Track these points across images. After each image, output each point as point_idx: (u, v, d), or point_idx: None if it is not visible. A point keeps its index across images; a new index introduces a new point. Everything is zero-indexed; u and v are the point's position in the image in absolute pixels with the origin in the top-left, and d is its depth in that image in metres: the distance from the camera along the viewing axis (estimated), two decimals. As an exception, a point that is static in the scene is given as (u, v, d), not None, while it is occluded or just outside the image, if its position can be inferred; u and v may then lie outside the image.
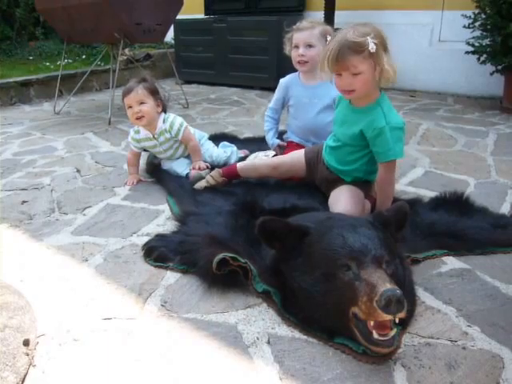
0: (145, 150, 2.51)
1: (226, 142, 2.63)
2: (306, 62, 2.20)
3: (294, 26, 2.23)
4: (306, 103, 2.27)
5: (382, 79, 1.69)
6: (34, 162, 2.79)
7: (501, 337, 1.25)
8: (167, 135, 2.37)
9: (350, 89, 1.65)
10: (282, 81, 2.39)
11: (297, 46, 2.19)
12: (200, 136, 2.51)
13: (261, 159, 2.22)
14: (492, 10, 3.60)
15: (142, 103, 2.28)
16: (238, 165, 2.12)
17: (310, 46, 2.17)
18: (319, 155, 1.99)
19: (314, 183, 2.03)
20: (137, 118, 2.29)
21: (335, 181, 1.88)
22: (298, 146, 2.28)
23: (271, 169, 2.05)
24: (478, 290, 1.46)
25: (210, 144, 2.55)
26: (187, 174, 2.32)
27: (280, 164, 2.06)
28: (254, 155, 2.45)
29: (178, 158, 2.47)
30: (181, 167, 2.38)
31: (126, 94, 2.29)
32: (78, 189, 2.35)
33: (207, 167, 2.32)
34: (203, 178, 2.20)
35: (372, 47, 1.56)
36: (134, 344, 1.24)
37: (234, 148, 2.57)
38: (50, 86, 4.75)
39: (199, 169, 2.30)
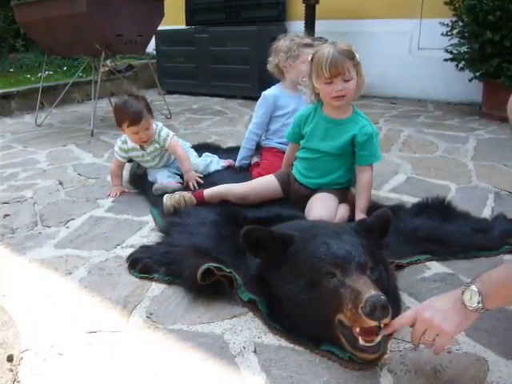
0: (129, 161, 2.49)
1: (208, 153, 2.61)
2: None
3: (303, 42, 2.29)
4: (296, 109, 2.28)
5: (360, 89, 1.84)
6: (15, 175, 2.76)
7: (485, 340, 1.26)
8: (156, 145, 2.36)
9: (342, 94, 1.75)
10: (268, 94, 2.39)
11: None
12: (183, 144, 2.51)
13: (228, 186, 2.04)
14: (469, 18, 3.68)
15: (147, 128, 2.28)
16: (206, 192, 2.03)
17: None
18: (290, 176, 2.01)
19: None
20: (143, 142, 2.32)
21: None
22: (277, 153, 2.33)
23: (240, 199, 1.97)
24: (462, 294, 1.47)
25: (193, 153, 2.55)
26: None
27: (250, 193, 1.98)
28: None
29: (163, 166, 2.46)
30: (164, 177, 2.35)
31: (134, 122, 2.22)
32: (60, 201, 2.33)
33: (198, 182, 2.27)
34: (167, 192, 2.13)
35: (358, 56, 1.76)
36: (119, 357, 1.22)
37: (216, 158, 2.56)
38: (31, 99, 4.70)
39: (193, 185, 2.24)
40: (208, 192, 2.03)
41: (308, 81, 1.85)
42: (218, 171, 2.44)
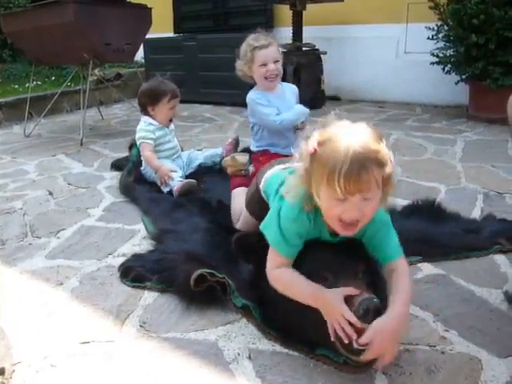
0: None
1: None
2: (277, 75, 2.21)
3: (254, 44, 2.16)
4: (280, 108, 2.22)
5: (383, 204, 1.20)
6: (5, 186, 2.74)
7: (478, 339, 1.27)
8: (172, 125, 2.65)
9: (357, 219, 1.13)
10: (255, 95, 2.26)
11: (265, 64, 2.16)
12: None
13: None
14: (454, 22, 3.72)
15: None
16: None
17: (276, 61, 2.18)
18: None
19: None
20: (171, 120, 2.58)
21: None
22: (275, 156, 2.20)
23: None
24: (454, 295, 1.48)
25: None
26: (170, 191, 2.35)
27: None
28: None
29: (176, 154, 2.62)
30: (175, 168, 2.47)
31: (175, 96, 2.54)
32: (50, 211, 2.31)
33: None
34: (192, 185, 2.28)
35: (392, 158, 1.13)
36: (113, 367, 1.22)
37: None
38: (20, 109, 4.67)
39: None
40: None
41: (302, 179, 1.18)
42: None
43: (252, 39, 2.19)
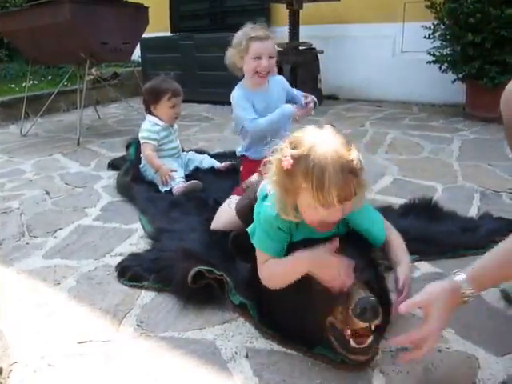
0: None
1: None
2: (268, 72, 2.09)
3: (251, 34, 2.03)
4: (267, 106, 2.13)
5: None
6: (1, 185, 2.73)
7: (475, 338, 1.28)
8: (175, 125, 2.64)
9: (337, 219, 1.20)
10: (237, 94, 2.18)
11: (259, 57, 2.03)
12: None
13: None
14: (450, 21, 3.73)
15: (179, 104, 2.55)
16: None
17: (271, 57, 2.05)
18: None
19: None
20: (176, 117, 2.57)
21: None
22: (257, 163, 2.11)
23: None
24: (451, 293, 1.48)
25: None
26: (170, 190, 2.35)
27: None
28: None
29: (177, 154, 2.63)
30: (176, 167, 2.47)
31: (176, 94, 2.51)
32: (47, 211, 2.31)
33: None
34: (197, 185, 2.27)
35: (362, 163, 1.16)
36: (110, 367, 1.21)
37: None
38: (16, 109, 4.65)
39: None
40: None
41: (283, 194, 1.17)
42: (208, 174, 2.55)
43: (250, 28, 2.05)
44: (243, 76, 2.17)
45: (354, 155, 1.12)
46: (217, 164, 2.63)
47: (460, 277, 1.04)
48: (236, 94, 2.15)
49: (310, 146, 1.11)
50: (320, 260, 1.16)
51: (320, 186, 1.07)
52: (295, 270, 1.20)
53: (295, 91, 2.28)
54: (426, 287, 1.07)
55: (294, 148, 1.13)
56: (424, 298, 1.07)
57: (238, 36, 2.07)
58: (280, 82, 2.24)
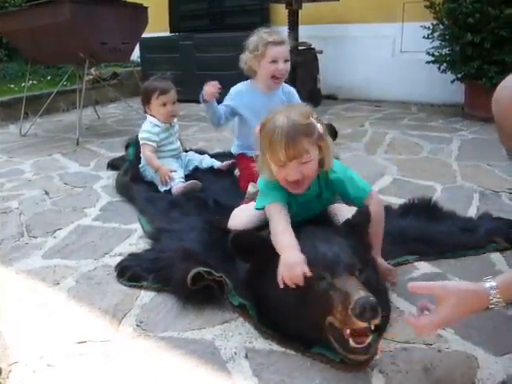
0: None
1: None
2: (283, 75, 2.16)
3: (268, 39, 2.09)
4: (263, 109, 2.16)
5: (326, 164, 1.44)
6: (1, 185, 2.73)
7: (474, 338, 1.27)
8: (177, 126, 2.63)
9: (298, 179, 1.37)
10: (232, 90, 2.29)
11: (275, 61, 2.10)
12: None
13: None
14: (449, 21, 3.73)
15: (174, 102, 2.51)
16: None
17: (286, 60, 2.13)
18: None
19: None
20: (171, 116, 2.52)
21: None
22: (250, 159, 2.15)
23: None
24: (450, 293, 1.48)
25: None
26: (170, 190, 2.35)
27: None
28: None
29: (177, 155, 2.62)
30: (176, 167, 2.46)
31: (163, 92, 2.46)
32: (47, 211, 2.31)
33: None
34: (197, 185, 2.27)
35: (320, 127, 1.39)
36: (110, 367, 1.21)
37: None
38: (15, 109, 4.65)
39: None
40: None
41: (263, 156, 1.43)
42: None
43: (265, 33, 2.12)
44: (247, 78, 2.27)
45: (309, 121, 1.36)
46: (217, 163, 2.63)
47: (490, 283, 1.04)
48: (234, 86, 2.28)
49: (273, 115, 1.39)
50: (288, 263, 1.24)
51: (270, 144, 1.35)
52: (276, 245, 1.33)
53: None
54: (449, 281, 1.08)
55: (264, 119, 1.42)
56: (441, 287, 1.08)
57: (254, 41, 2.13)
58: (290, 93, 2.30)
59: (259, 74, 2.19)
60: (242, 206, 1.80)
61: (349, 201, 1.55)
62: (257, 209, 1.54)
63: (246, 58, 2.18)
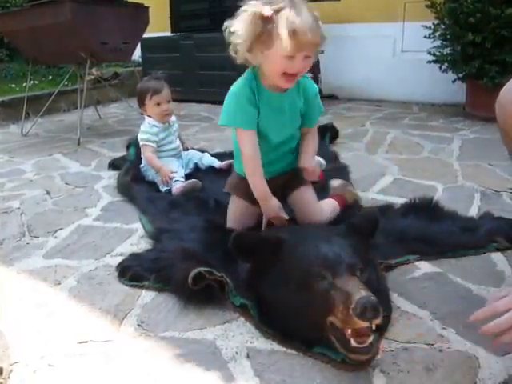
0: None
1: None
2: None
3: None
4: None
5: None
6: (2, 185, 2.73)
7: (475, 337, 1.27)
8: (176, 125, 2.63)
9: (298, 72, 1.48)
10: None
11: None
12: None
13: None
14: (450, 21, 3.73)
15: (168, 101, 2.51)
16: None
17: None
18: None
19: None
20: (166, 115, 2.51)
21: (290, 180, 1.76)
22: None
23: None
24: (451, 293, 1.49)
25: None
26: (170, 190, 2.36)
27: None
28: None
29: (177, 154, 2.62)
30: (177, 169, 2.46)
31: (156, 92, 2.47)
32: (48, 211, 2.31)
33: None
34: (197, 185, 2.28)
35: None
36: (111, 367, 1.21)
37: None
38: (17, 108, 4.65)
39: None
40: None
41: (246, 44, 1.46)
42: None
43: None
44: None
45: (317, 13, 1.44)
46: (217, 163, 2.64)
47: None
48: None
49: (286, 2, 1.38)
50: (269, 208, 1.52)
51: (292, 33, 1.34)
52: (256, 191, 1.54)
53: None
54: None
55: (270, 4, 1.39)
56: (500, 296, 1.06)
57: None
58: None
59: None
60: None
61: (305, 114, 1.65)
62: (220, 124, 1.62)
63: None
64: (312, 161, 1.68)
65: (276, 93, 1.57)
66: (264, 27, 1.39)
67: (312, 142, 1.70)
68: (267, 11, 1.37)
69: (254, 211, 1.72)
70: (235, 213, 1.78)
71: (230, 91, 1.60)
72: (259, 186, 1.55)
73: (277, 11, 1.39)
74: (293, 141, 1.71)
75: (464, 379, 1.13)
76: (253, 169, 1.58)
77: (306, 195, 1.74)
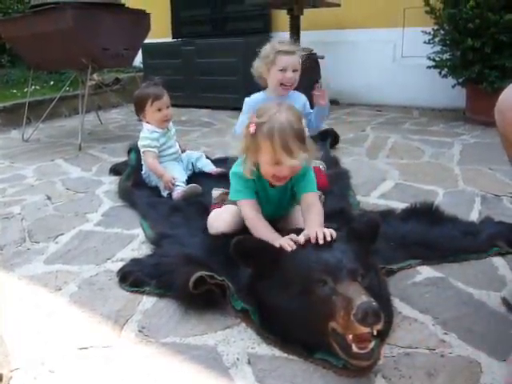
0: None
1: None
2: (292, 84, 2.25)
3: (279, 48, 2.20)
4: None
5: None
6: (3, 190, 2.74)
7: (477, 342, 1.27)
8: (173, 129, 2.65)
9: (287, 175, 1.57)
10: (250, 99, 2.38)
11: (284, 70, 2.21)
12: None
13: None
14: (450, 26, 3.74)
15: (168, 107, 2.53)
16: None
17: (295, 70, 2.23)
18: None
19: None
20: (166, 120, 2.53)
21: None
22: None
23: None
24: (453, 298, 1.48)
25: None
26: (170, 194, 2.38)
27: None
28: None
29: (177, 158, 2.63)
30: (179, 173, 2.47)
31: (157, 98, 2.49)
32: (49, 216, 2.31)
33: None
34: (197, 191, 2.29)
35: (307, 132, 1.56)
36: (111, 373, 1.21)
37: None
38: (18, 114, 4.67)
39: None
40: None
41: (248, 152, 1.57)
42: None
43: (278, 43, 2.23)
44: (265, 87, 2.35)
45: (303, 125, 1.52)
46: (210, 167, 2.66)
47: None
48: (247, 99, 2.35)
49: (270, 115, 1.48)
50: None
51: (272, 146, 1.45)
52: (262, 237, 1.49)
53: (312, 110, 2.47)
54: None
55: (258, 117, 1.51)
56: None
57: (266, 49, 2.24)
58: (299, 98, 2.41)
59: (269, 81, 2.29)
60: (218, 210, 1.85)
61: (296, 187, 1.67)
62: (231, 200, 1.73)
63: (256, 65, 2.29)
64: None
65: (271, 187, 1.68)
66: (253, 141, 1.53)
67: (317, 216, 1.55)
68: (252, 129, 1.51)
69: None
70: (226, 218, 1.76)
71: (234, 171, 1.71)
72: (265, 237, 1.49)
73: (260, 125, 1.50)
74: (286, 208, 1.81)
75: (466, 384, 1.13)
76: (255, 228, 1.60)
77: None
